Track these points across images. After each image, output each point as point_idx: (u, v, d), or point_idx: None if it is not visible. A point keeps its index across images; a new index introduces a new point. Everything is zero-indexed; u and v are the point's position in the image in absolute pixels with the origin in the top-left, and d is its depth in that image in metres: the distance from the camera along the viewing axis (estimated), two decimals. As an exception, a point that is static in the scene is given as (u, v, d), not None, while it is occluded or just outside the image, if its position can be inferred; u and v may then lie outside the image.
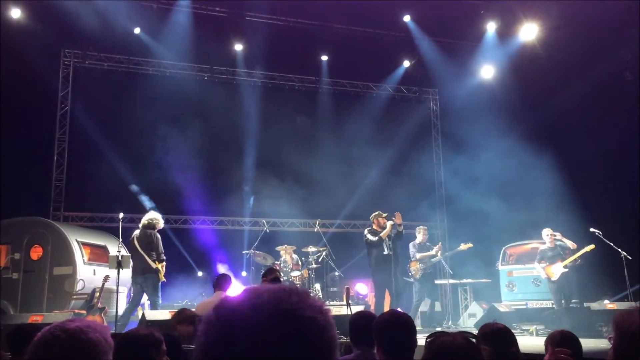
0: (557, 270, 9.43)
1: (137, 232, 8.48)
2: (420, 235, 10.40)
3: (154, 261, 8.19)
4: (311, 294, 0.98)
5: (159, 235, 8.50)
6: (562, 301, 9.33)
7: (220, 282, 6.81)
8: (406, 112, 14.62)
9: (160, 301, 8.31)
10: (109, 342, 1.57)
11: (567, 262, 9.39)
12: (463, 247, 10.35)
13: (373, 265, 9.25)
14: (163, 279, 8.37)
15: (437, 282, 12.44)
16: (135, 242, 8.32)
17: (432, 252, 10.18)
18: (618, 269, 9.13)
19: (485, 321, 8.49)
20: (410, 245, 10.44)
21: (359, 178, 13.35)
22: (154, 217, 8.63)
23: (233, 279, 8.02)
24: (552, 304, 10.19)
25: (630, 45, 12.16)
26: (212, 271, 11.69)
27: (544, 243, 9.75)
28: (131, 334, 2.70)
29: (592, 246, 9.20)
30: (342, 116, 13.82)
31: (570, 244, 9.47)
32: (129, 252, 8.42)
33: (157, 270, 8.17)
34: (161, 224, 8.66)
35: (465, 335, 2.30)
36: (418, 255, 10.18)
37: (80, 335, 1.53)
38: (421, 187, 13.85)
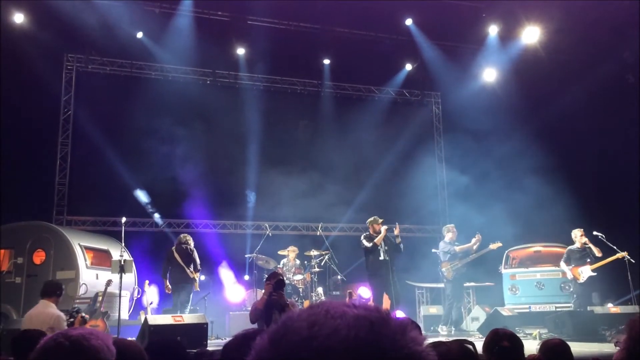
0: (585, 272, 9.37)
1: (174, 247, 9.51)
2: (450, 234, 10.40)
3: (191, 272, 9.20)
4: (409, 328, 0.73)
5: (194, 249, 9.51)
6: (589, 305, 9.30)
7: (47, 289, 6.00)
8: (408, 116, 14.62)
9: (189, 306, 9.23)
10: (111, 350, 1.57)
11: (596, 266, 9.30)
12: (493, 246, 10.21)
13: (369, 270, 9.29)
14: (197, 288, 9.43)
15: (439, 285, 12.41)
16: (176, 255, 9.28)
17: (472, 243, 10.18)
18: (621, 272, 9.11)
19: (488, 325, 8.49)
20: (441, 243, 10.47)
21: (361, 181, 13.35)
22: (186, 234, 9.78)
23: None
24: (556, 307, 10.19)
25: (633, 47, 12.14)
26: (214, 275, 11.69)
27: (574, 243, 9.67)
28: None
29: (624, 253, 8.98)
30: (344, 120, 13.82)
31: (596, 250, 9.32)
32: (170, 264, 9.29)
33: (193, 280, 9.25)
34: (192, 241, 9.67)
35: (461, 342, 2.30)
36: (457, 248, 10.19)
37: (82, 342, 1.53)
38: (424, 190, 13.83)
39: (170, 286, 9.20)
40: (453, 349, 2.23)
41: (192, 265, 9.33)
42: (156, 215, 12.33)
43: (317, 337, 0.68)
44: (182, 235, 9.74)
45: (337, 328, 0.68)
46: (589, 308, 9.08)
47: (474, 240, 10.21)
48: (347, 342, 0.68)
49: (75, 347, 1.52)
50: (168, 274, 9.32)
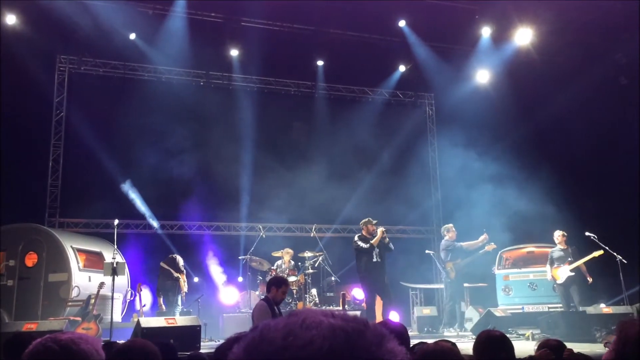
0: (563, 273, 9.46)
1: (163, 261, 10.31)
2: (450, 233, 10.40)
3: (174, 271, 9.88)
4: (387, 339, 0.73)
5: (177, 256, 10.32)
6: (571, 304, 9.40)
7: None
8: (402, 117, 14.64)
9: (179, 307, 9.73)
10: (100, 354, 1.57)
11: (573, 266, 9.42)
12: (488, 248, 10.23)
13: (363, 272, 9.22)
14: (184, 287, 9.97)
15: (433, 286, 12.44)
16: (163, 264, 10.09)
17: (479, 240, 10.17)
18: (614, 273, 9.16)
19: (481, 326, 8.52)
20: (443, 242, 10.46)
21: (355, 183, 13.34)
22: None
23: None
24: (549, 307, 10.25)
25: (625, 49, 12.22)
26: (208, 277, 11.67)
27: (554, 245, 9.86)
28: (128, 346, 2.66)
29: (600, 252, 9.17)
30: (338, 121, 13.82)
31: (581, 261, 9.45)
32: (162, 273, 10.03)
33: (177, 278, 9.84)
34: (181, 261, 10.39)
35: (443, 342, 2.33)
36: (464, 244, 10.18)
37: (71, 346, 1.53)
38: (417, 192, 13.86)
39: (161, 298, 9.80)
40: (440, 344, 2.25)
41: (176, 268, 10.01)
42: (154, 223, 12.31)
43: (291, 347, 0.68)
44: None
45: (311, 339, 0.68)
46: (581, 308, 9.13)
47: (481, 237, 10.20)
48: (320, 353, 0.67)
49: (65, 351, 1.51)
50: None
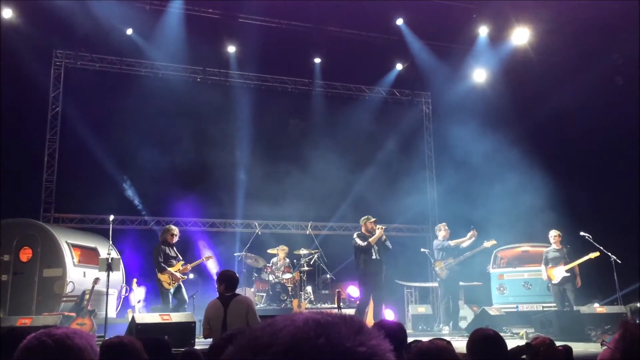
0: (559, 273, 9.51)
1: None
2: (442, 232, 10.36)
3: (159, 270, 8.65)
4: (363, 331, 0.76)
5: (159, 248, 8.81)
6: (566, 303, 9.44)
7: None
8: (399, 115, 14.64)
9: (169, 306, 8.67)
10: (95, 349, 1.56)
11: (569, 266, 9.46)
12: (487, 244, 10.10)
13: (361, 270, 9.21)
14: (167, 287, 8.65)
15: (428, 284, 12.45)
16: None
17: (467, 237, 10.09)
18: (608, 273, 9.20)
19: (476, 324, 8.54)
20: (435, 242, 10.43)
21: (351, 180, 13.35)
22: (164, 228, 9.17)
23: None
24: (543, 306, 10.29)
25: (622, 49, 12.25)
26: (203, 273, 11.66)
27: (550, 245, 9.90)
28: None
29: (597, 253, 9.21)
30: (334, 119, 13.82)
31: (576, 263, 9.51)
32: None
33: (159, 280, 8.64)
34: (170, 236, 8.96)
35: (438, 341, 2.34)
36: (452, 243, 10.14)
37: (66, 340, 1.52)
38: (413, 190, 13.88)
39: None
40: (435, 342, 2.26)
41: (157, 265, 8.70)
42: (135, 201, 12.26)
43: (262, 336, 0.74)
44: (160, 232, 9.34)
45: (283, 327, 0.74)
46: (575, 308, 9.18)
47: (469, 234, 10.13)
48: (287, 339, 0.73)
49: (59, 346, 1.51)
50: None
